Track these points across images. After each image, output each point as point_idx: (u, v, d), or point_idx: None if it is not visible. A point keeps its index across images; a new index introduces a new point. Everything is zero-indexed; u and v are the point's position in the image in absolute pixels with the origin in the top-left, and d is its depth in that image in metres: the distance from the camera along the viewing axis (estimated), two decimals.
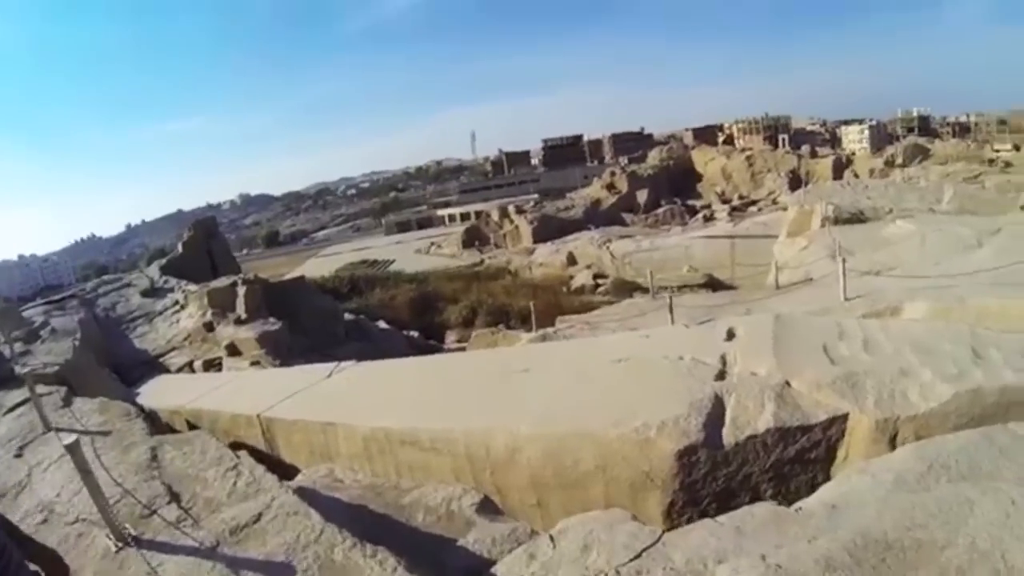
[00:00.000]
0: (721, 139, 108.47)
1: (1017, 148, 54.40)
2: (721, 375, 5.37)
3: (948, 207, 18.61)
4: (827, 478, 4.92)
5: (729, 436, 4.56)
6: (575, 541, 2.87)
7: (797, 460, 4.79)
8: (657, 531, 2.88)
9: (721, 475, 4.62)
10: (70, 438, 3.35)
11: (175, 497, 3.82)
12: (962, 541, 2.63)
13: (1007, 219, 11.62)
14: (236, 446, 6.85)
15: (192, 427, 7.92)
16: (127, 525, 3.50)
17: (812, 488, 4.88)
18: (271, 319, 16.00)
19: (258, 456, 5.72)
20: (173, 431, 7.83)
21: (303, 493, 3.76)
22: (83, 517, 3.74)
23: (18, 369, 7.70)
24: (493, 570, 2.90)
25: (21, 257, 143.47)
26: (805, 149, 75.75)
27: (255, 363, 13.50)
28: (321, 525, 3.12)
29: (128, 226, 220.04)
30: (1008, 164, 40.01)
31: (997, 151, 53.88)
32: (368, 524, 3.59)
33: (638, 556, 2.62)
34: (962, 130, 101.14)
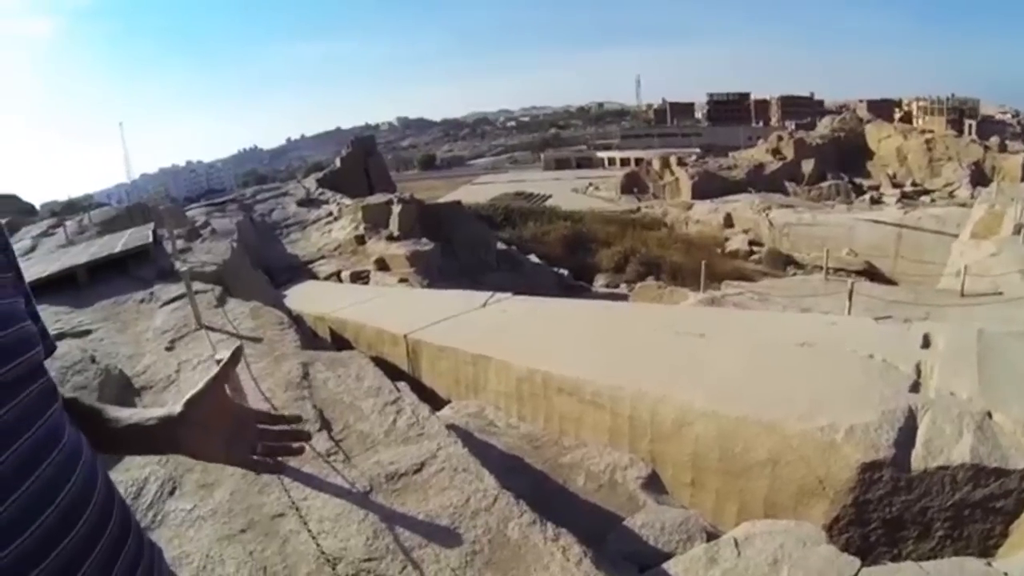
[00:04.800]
0: (898, 116, 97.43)
1: None
2: (915, 387, 4.73)
3: None
4: (1005, 533, 4.31)
5: (918, 460, 4.03)
6: (763, 552, 2.59)
7: (980, 506, 4.18)
8: (855, 563, 2.55)
9: (898, 501, 4.13)
10: (223, 353, 2.93)
11: (326, 425, 3.41)
12: None
13: None
14: (376, 362, 6.92)
15: (335, 335, 8.02)
16: None
17: (985, 541, 4.29)
18: (423, 239, 15.90)
19: (398, 376, 5.69)
20: (316, 336, 7.87)
21: (458, 434, 3.41)
22: None
23: (178, 265, 7.74)
24: (665, 566, 2.67)
25: (188, 163, 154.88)
26: (994, 141, 65.98)
27: (403, 280, 13.50)
28: (495, 491, 2.71)
29: (288, 139, 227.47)
30: None
31: None
32: (526, 483, 3.40)
33: None
34: None
